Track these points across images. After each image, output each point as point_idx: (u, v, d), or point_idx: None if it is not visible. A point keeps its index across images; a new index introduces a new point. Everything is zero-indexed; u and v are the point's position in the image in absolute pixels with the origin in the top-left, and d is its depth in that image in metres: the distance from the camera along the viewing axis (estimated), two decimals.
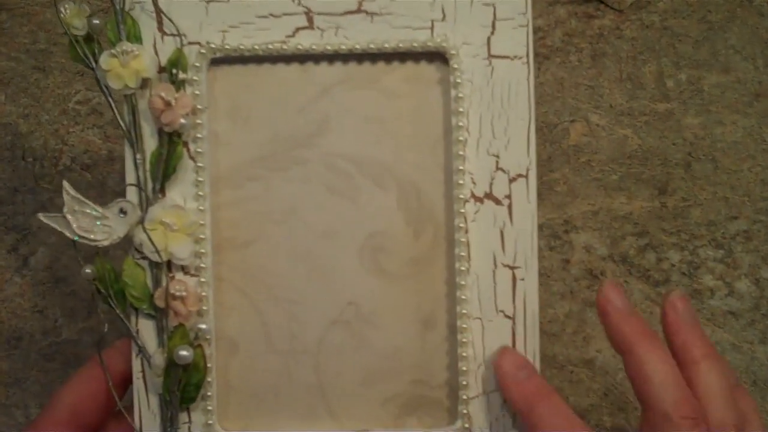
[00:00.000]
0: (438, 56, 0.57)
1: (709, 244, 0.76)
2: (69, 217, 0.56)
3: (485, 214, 0.56)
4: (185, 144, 0.56)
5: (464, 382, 0.57)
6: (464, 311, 0.56)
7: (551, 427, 0.53)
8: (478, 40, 0.56)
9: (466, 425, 0.57)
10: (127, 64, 0.55)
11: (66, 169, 0.79)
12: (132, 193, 0.57)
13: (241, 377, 0.58)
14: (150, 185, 0.56)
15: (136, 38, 0.56)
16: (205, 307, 0.57)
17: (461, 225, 0.56)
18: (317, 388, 0.58)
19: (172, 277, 0.57)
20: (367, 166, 0.57)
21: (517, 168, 0.56)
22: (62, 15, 0.56)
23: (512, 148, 0.56)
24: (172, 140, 0.56)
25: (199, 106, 0.56)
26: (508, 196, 0.56)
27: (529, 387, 0.55)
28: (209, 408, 0.57)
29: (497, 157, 0.56)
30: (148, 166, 0.57)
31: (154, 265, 0.57)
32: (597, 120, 0.77)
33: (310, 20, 0.56)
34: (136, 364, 0.57)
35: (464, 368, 0.56)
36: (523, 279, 0.56)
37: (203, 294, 0.57)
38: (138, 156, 0.56)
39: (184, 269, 0.57)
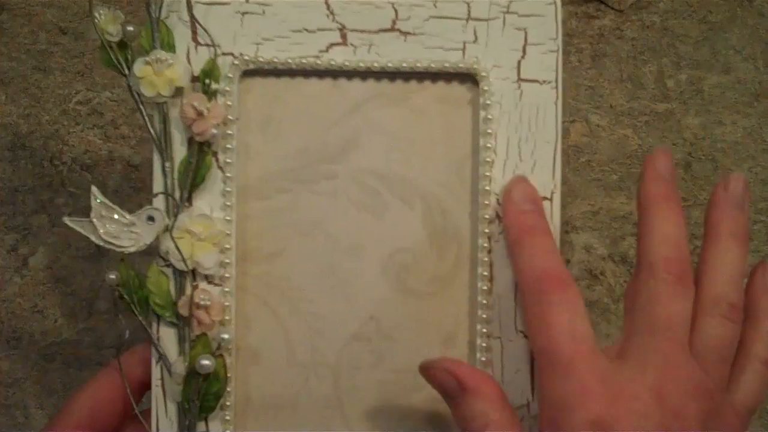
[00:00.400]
0: (469, 77, 0.57)
1: None
2: (96, 222, 0.56)
3: None
4: (214, 154, 0.57)
5: None
6: (485, 330, 0.57)
7: (525, 263, 0.53)
8: (509, 64, 0.57)
9: None
10: (161, 73, 0.55)
11: (66, 170, 0.79)
12: (159, 201, 0.56)
13: (260, 388, 0.59)
14: (178, 194, 0.56)
15: (170, 47, 0.56)
16: (227, 317, 0.57)
17: (485, 245, 0.57)
18: (335, 402, 0.59)
19: (196, 286, 0.57)
20: (394, 183, 0.58)
21: (542, 190, 0.57)
22: (97, 21, 0.56)
23: (538, 170, 0.57)
24: (201, 150, 0.56)
25: (230, 117, 0.56)
26: None
27: (527, 220, 0.54)
28: (227, 418, 0.57)
29: None
30: (176, 175, 0.57)
31: (179, 274, 0.57)
32: (597, 120, 0.78)
33: (343, 36, 0.57)
34: (156, 372, 0.58)
35: None
36: None
37: (226, 304, 0.57)
38: (167, 164, 0.56)
39: (208, 278, 0.57)
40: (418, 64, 0.57)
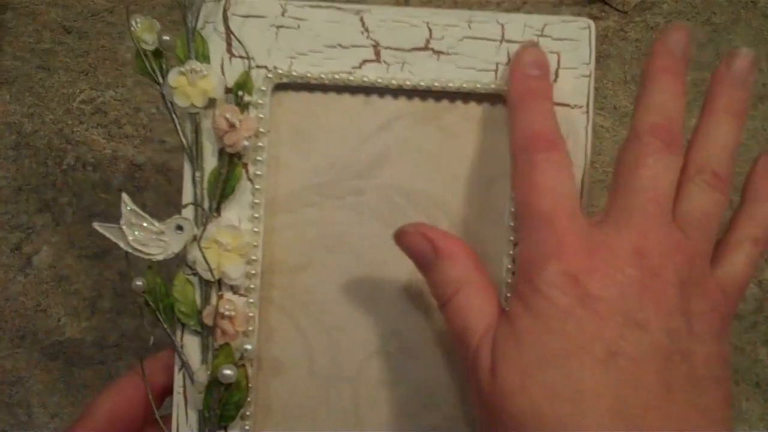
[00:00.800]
0: (500, 99, 0.58)
1: None
2: (125, 229, 0.56)
3: None
4: (245, 166, 0.57)
5: None
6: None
7: (521, 123, 0.54)
8: None
9: None
10: (195, 83, 0.56)
11: (70, 168, 0.79)
12: (189, 211, 0.57)
13: (280, 399, 0.59)
14: (207, 204, 0.57)
15: (205, 57, 0.56)
16: (251, 328, 0.57)
17: (509, 266, 0.57)
18: (354, 416, 0.59)
19: (222, 296, 0.57)
20: (421, 200, 0.58)
21: None
22: (133, 28, 0.56)
23: None
24: (232, 161, 0.56)
25: (261, 130, 0.57)
26: None
27: (531, 84, 0.54)
28: (247, 428, 0.58)
29: None
30: (206, 185, 0.57)
31: (205, 283, 0.57)
32: (601, 121, 0.79)
33: (377, 53, 0.57)
34: (178, 379, 0.58)
35: None
36: None
37: (251, 315, 0.57)
38: (197, 174, 0.57)
39: (233, 289, 0.57)
40: (450, 84, 0.57)
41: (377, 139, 0.58)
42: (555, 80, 0.57)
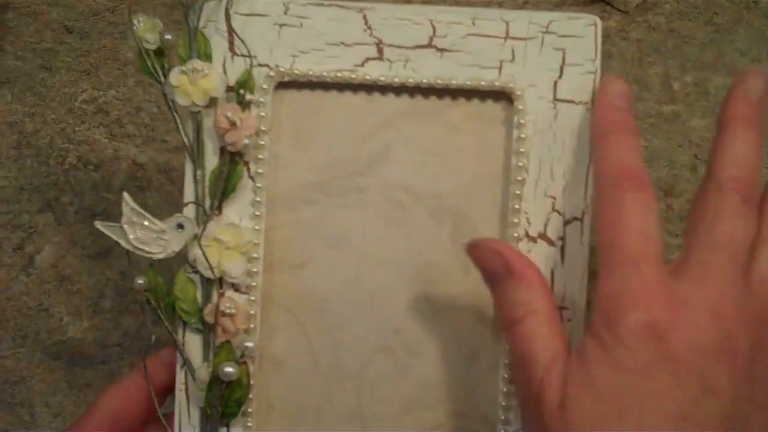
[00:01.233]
0: (504, 96, 0.58)
1: None
2: (126, 228, 0.56)
3: (537, 254, 0.57)
4: (246, 164, 0.57)
5: (503, 417, 0.57)
6: (508, 347, 0.57)
7: (606, 156, 0.52)
8: (545, 83, 0.57)
9: None
10: (196, 82, 0.56)
11: (72, 168, 0.79)
12: (189, 209, 0.57)
13: (283, 397, 0.59)
14: (208, 202, 0.57)
15: (207, 56, 0.56)
16: (252, 326, 0.57)
17: None
18: (358, 414, 0.59)
19: (223, 294, 0.57)
20: (424, 198, 0.58)
21: (572, 211, 0.57)
22: (135, 28, 0.56)
23: (569, 191, 0.57)
24: (233, 159, 0.56)
25: (262, 128, 0.57)
26: (562, 238, 0.57)
27: (617, 115, 0.53)
28: (249, 424, 0.58)
29: (554, 198, 0.57)
30: (207, 183, 0.57)
31: (206, 281, 0.57)
32: None
33: (380, 51, 0.57)
34: (180, 377, 0.58)
35: (504, 404, 0.57)
36: (569, 320, 0.57)
37: (252, 312, 0.57)
38: (198, 172, 0.57)
39: (234, 287, 0.57)
40: (453, 81, 0.57)
41: (379, 136, 0.58)
42: (560, 77, 0.57)
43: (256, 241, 0.57)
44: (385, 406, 0.59)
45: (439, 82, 0.57)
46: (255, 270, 0.57)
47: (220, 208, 0.57)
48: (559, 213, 0.57)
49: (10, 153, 0.79)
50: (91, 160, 0.80)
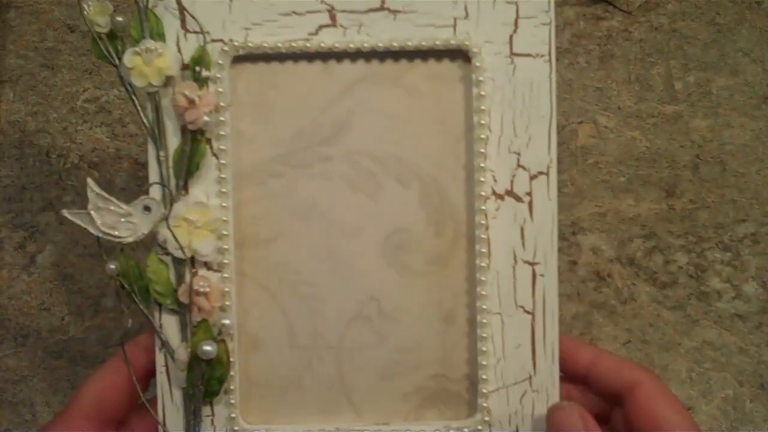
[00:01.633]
0: (460, 54, 0.57)
1: (717, 247, 0.77)
2: (93, 214, 0.56)
3: (506, 211, 0.57)
4: (208, 141, 0.57)
5: (484, 376, 0.57)
6: (484, 307, 0.57)
7: None
8: (501, 39, 0.57)
9: (486, 418, 0.57)
10: (151, 62, 0.56)
11: (73, 167, 0.79)
12: (155, 191, 0.57)
13: (263, 372, 0.59)
14: (173, 182, 0.57)
15: (160, 36, 0.56)
16: (228, 303, 0.57)
17: (482, 222, 0.57)
18: (339, 383, 0.59)
19: (195, 273, 0.57)
20: (389, 163, 0.58)
21: (537, 166, 0.56)
22: (85, 12, 0.56)
23: (533, 146, 0.56)
24: (195, 138, 0.56)
25: (222, 104, 0.56)
26: (529, 194, 0.57)
27: None
28: (232, 402, 0.58)
29: (518, 154, 0.57)
30: (171, 164, 0.57)
31: (178, 262, 0.57)
32: (605, 122, 0.78)
33: (333, 18, 0.57)
34: (160, 359, 0.58)
35: (484, 362, 0.57)
36: (542, 275, 0.57)
37: (226, 290, 0.57)
38: (161, 153, 0.57)
39: (207, 265, 0.57)
40: (409, 43, 0.57)
41: (339, 104, 0.58)
42: (515, 31, 0.57)
43: (224, 219, 0.57)
44: (365, 374, 0.59)
45: (395, 44, 0.57)
46: (226, 247, 0.57)
47: (186, 188, 0.57)
48: (524, 168, 0.57)
49: (12, 152, 0.80)
50: (93, 159, 0.80)
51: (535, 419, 0.57)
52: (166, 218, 0.56)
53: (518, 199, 0.57)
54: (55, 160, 0.80)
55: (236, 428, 0.58)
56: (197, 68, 0.56)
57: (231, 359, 0.57)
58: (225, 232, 0.57)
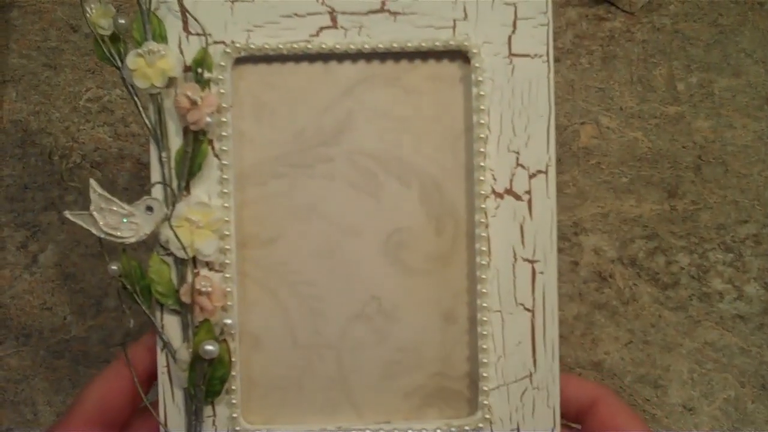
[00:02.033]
0: (460, 55, 0.58)
1: (719, 248, 0.77)
2: (95, 214, 0.56)
3: (505, 209, 0.57)
4: (210, 142, 0.57)
5: (485, 374, 0.58)
6: (484, 304, 0.57)
7: None
8: (499, 39, 0.57)
9: (487, 416, 0.58)
10: (154, 64, 0.56)
11: (76, 167, 0.80)
12: (157, 191, 0.57)
13: (264, 371, 0.59)
14: (175, 183, 0.57)
15: (162, 38, 0.57)
16: (229, 303, 0.57)
17: (482, 220, 0.57)
18: (340, 382, 0.59)
19: (197, 273, 0.57)
20: (390, 163, 0.58)
21: (536, 164, 0.57)
22: (88, 15, 0.56)
23: (532, 144, 0.57)
24: (197, 138, 0.57)
25: (224, 105, 0.57)
26: (528, 192, 0.57)
27: None
28: (233, 401, 0.58)
29: (517, 153, 0.57)
30: (173, 164, 0.57)
31: (179, 262, 0.57)
32: (607, 122, 0.78)
33: (333, 20, 0.57)
34: (161, 359, 0.58)
35: (485, 360, 0.57)
36: (542, 272, 0.57)
37: (228, 289, 0.57)
38: (163, 154, 0.57)
39: (209, 265, 0.58)
40: (409, 44, 0.57)
41: (340, 105, 0.58)
42: (513, 32, 0.57)
43: (226, 219, 0.58)
44: (366, 373, 0.59)
45: (395, 45, 0.57)
46: (227, 247, 0.58)
47: (188, 188, 0.57)
48: (523, 167, 0.57)
49: (14, 151, 0.80)
50: (96, 159, 0.80)
51: (536, 416, 0.58)
52: (168, 218, 0.56)
53: (517, 197, 0.57)
54: (58, 160, 0.80)
55: (237, 428, 0.58)
56: (199, 70, 0.56)
57: (233, 359, 0.58)
58: (227, 232, 0.57)
